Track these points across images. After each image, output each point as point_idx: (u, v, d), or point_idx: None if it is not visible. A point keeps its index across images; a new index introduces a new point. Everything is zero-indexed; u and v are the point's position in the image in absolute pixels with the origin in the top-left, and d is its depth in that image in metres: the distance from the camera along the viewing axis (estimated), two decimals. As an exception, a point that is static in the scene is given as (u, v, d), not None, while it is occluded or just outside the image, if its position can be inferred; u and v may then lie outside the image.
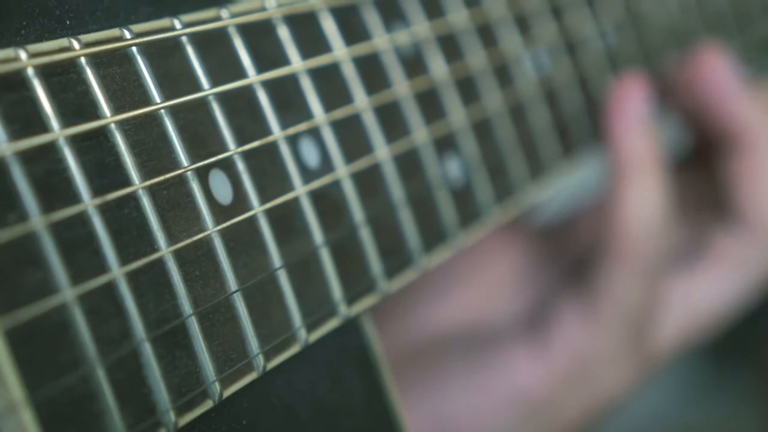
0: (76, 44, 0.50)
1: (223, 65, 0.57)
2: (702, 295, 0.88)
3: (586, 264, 0.86)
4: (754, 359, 2.74)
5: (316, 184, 0.60)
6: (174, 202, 0.52)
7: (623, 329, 0.84)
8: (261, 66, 0.59)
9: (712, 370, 2.80)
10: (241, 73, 0.58)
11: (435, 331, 0.86)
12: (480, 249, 0.88)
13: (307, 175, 0.59)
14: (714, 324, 0.91)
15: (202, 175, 0.54)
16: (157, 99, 0.53)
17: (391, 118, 0.65)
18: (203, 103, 0.55)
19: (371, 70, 0.65)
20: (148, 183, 0.51)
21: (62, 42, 0.50)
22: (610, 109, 0.83)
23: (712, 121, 0.89)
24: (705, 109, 0.89)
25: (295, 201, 0.58)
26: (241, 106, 0.57)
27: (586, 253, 0.87)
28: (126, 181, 0.51)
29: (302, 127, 0.60)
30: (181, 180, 0.53)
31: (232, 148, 0.56)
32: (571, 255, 0.90)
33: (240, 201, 0.55)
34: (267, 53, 0.59)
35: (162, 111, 0.53)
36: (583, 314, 0.84)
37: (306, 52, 0.61)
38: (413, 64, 0.68)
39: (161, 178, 0.52)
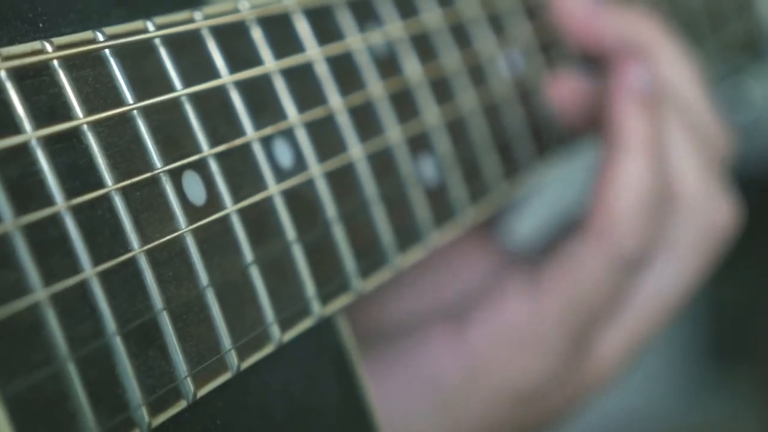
0: (48, 47, 0.51)
1: (197, 67, 0.57)
2: (652, 292, 0.82)
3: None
4: (755, 359, 2.75)
5: (289, 183, 0.60)
6: (147, 203, 0.53)
7: (568, 318, 0.78)
8: (234, 67, 0.59)
9: (712, 370, 2.81)
10: (215, 75, 0.58)
11: (377, 324, 0.83)
12: (451, 254, 0.85)
13: (281, 175, 0.60)
14: (661, 317, 0.83)
15: (176, 176, 0.54)
16: (130, 101, 0.53)
17: (364, 118, 0.66)
18: (176, 104, 0.56)
19: (345, 70, 0.66)
20: (121, 185, 0.51)
21: (35, 45, 0.50)
22: (611, 84, 0.80)
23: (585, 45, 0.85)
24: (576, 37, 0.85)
25: (269, 201, 0.59)
26: (215, 108, 0.58)
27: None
28: (99, 183, 0.51)
29: (276, 128, 0.60)
30: (154, 181, 0.53)
31: (206, 149, 0.56)
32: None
33: (213, 201, 0.56)
34: (241, 55, 0.60)
35: (135, 112, 0.53)
36: (528, 291, 0.78)
37: (279, 53, 0.62)
38: (387, 63, 0.69)
39: (134, 180, 0.52)
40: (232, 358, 0.55)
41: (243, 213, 0.57)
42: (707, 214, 0.83)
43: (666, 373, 2.81)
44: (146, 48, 0.55)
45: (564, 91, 0.84)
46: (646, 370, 2.80)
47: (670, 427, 2.69)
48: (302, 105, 0.62)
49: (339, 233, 0.62)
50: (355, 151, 0.65)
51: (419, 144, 0.70)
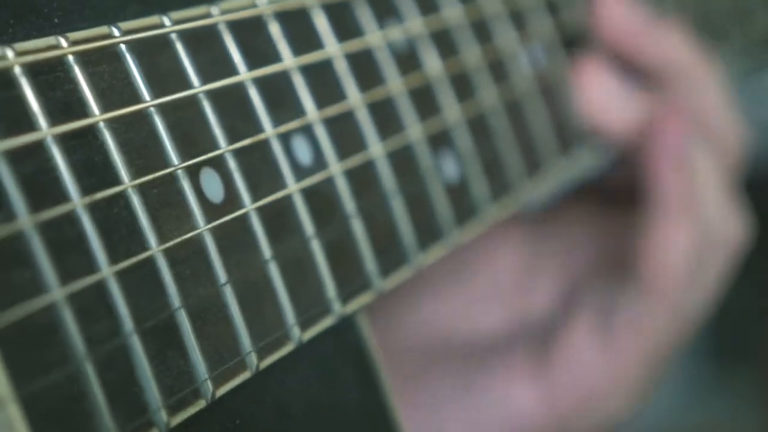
0: (63, 42, 0.50)
1: (214, 63, 0.57)
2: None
3: (600, 285, 0.84)
4: (755, 359, 2.74)
5: (309, 181, 0.59)
6: (164, 201, 0.52)
7: (644, 366, 0.82)
8: (252, 63, 0.58)
9: (712, 370, 2.80)
10: (232, 71, 0.57)
11: (426, 334, 0.84)
12: (476, 247, 0.87)
13: (300, 172, 0.59)
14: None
15: (193, 173, 0.53)
16: (147, 97, 0.53)
17: (384, 115, 0.65)
18: (194, 100, 0.55)
19: (364, 67, 0.65)
20: (137, 182, 0.51)
21: (50, 40, 0.50)
22: (652, 140, 0.82)
23: (632, 58, 0.85)
24: (622, 52, 0.85)
25: (288, 199, 0.58)
26: (233, 104, 0.57)
27: (593, 265, 0.86)
28: (115, 180, 0.50)
29: (295, 124, 0.59)
30: (172, 178, 0.52)
31: (223, 146, 0.55)
32: (566, 250, 0.88)
33: (231, 199, 0.55)
34: (258, 50, 0.59)
35: (152, 109, 0.53)
36: (601, 340, 0.81)
37: (298, 49, 0.61)
38: (407, 60, 0.68)
39: (151, 176, 0.51)
40: (252, 358, 0.54)
41: (262, 211, 0.56)
42: (722, 233, 0.85)
43: (666, 373, 2.79)
44: (163, 43, 0.54)
45: (593, 82, 0.83)
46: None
47: (670, 427, 2.67)
48: (321, 101, 0.61)
49: (359, 231, 0.61)
50: (376, 148, 0.64)
51: (440, 141, 0.69)
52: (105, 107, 0.51)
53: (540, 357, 0.81)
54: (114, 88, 0.52)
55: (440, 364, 0.82)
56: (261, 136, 0.57)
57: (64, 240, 0.47)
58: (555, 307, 0.85)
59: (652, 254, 0.82)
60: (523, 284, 0.87)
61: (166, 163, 0.53)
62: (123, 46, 0.52)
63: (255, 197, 0.56)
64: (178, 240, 0.52)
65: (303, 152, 0.60)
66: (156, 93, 0.53)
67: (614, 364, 0.82)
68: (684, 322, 0.84)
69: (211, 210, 0.54)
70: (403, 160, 0.65)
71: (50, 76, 0.49)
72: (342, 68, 0.63)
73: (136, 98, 0.52)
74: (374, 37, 0.66)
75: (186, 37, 0.55)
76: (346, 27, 0.65)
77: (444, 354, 0.82)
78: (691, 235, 0.82)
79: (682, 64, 0.86)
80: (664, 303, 0.82)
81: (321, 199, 0.60)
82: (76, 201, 0.48)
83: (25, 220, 0.46)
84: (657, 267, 0.81)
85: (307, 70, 0.61)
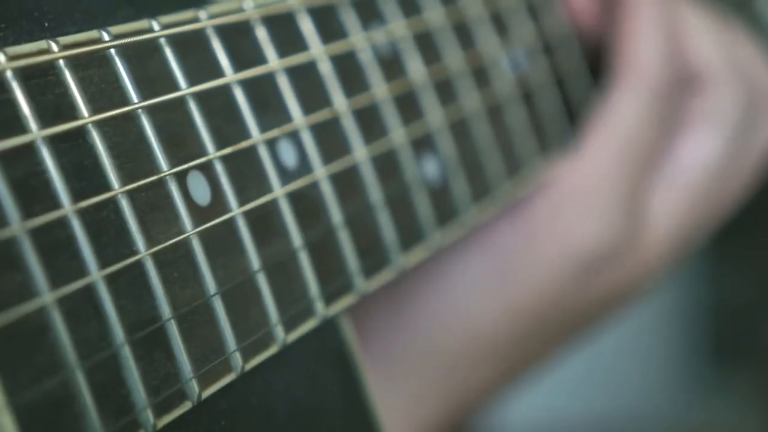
0: (54, 46, 0.50)
1: (202, 66, 0.57)
2: (692, 160, 0.82)
3: None
4: (755, 359, 2.76)
5: (294, 185, 0.60)
6: (152, 204, 0.52)
7: (617, 166, 0.77)
8: (239, 67, 0.59)
9: (712, 370, 2.82)
10: (220, 74, 0.58)
11: None
12: None
13: (286, 176, 0.59)
14: (709, 185, 0.83)
15: (181, 176, 0.54)
16: (136, 100, 0.53)
17: (369, 119, 0.66)
18: (181, 104, 0.55)
19: (349, 70, 0.65)
20: (128, 188, 0.51)
21: (41, 44, 0.50)
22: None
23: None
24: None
25: (274, 202, 0.59)
26: (220, 107, 0.57)
27: None
28: (105, 183, 0.51)
29: (281, 130, 0.60)
30: (160, 182, 0.53)
31: (211, 149, 0.56)
32: None
33: (218, 202, 0.56)
34: (245, 54, 0.60)
35: (140, 112, 0.53)
36: (572, 154, 0.78)
37: (284, 53, 0.62)
38: (390, 62, 0.69)
39: (141, 182, 0.52)
40: (237, 359, 0.55)
41: (248, 214, 0.57)
42: (748, 92, 0.83)
43: (667, 373, 2.81)
44: (151, 47, 0.55)
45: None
46: (646, 370, 2.80)
47: (670, 427, 2.69)
48: (306, 104, 0.62)
49: (343, 234, 0.62)
50: (360, 153, 0.64)
51: (423, 144, 0.69)
52: (95, 111, 0.51)
53: None
54: (103, 92, 0.52)
55: None
56: (248, 142, 0.58)
57: (54, 243, 0.47)
58: None
59: (618, 39, 0.81)
60: None
61: (155, 165, 0.53)
62: (112, 50, 0.53)
63: (241, 201, 0.57)
64: (166, 244, 0.52)
65: (288, 156, 0.60)
66: (145, 96, 0.54)
67: (587, 171, 0.77)
68: (665, 107, 0.81)
69: (198, 213, 0.54)
70: (386, 164, 0.66)
71: (41, 80, 0.50)
72: (326, 71, 0.64)
73: (126, 102, 0.53)
74: (358, 39, 0.67)
75: (174, 41, 0.56)
76: (331, 31, 0.65)
77: None
78: (659, 15, 0.81)
79: None
80: (631, 82, 0.78)
81: (305, 201, 0.60)
82: (67, 205, 0.48)
83: (15, 223, 0.46)
84: (623, 50, 0.80)
85: (292, 74, 0.62)
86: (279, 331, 0.57)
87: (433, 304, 0.77)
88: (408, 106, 0.69)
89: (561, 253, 0.77)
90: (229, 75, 0.58)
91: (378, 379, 0.70)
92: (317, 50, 0.64)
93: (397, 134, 0.67)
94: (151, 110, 0.54)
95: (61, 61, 0.50)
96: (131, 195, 0.51)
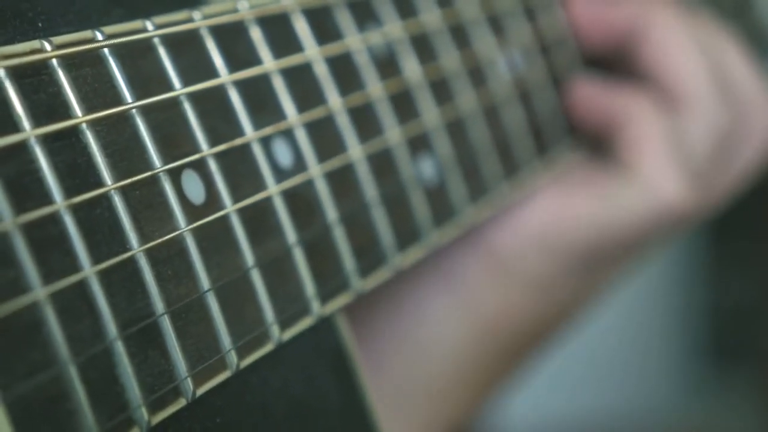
0: (47, 46, 0.51)
1: (196, 66, 0.57)
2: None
3: None
4: (754, 359, 2.76)
5: (289, 183, 0.60)
6: (146, 202, 0.53)
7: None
8: (233, 67, 0.59)
9: (712, 370, 2.81)
10: (214, 74, 0.58)
11: None
12: None
13: (280, 174, 0.60)
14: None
15: (175, 175, 0.54)
16: (129, 100, 0.53)
17: (364, 118, 0.66)
18: (175, 103, 0.56)
19: (344, 71, 0.66)
20: (120, 184, 0.51)
21: (34, 44, 0.50)
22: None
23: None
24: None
25: (268, 200, 0.59)
26: (214, 107, 0.58)
27: None
28: (98, 182, 0.51)
29: (275, 127, 0.60)
30: (153, 180, 0.53)
31: (205, 148, 0.56)
32: None
33: (213, 201, 0.56)
34: (239, 54, 0.60)
35: (134, 111, 0.53)
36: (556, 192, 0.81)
37: (279, 53, 0.62)
38: (386, 64, 0.69)
39: (134, 179, 0.52)
40: (232, 357, 0.55)
41: (242, 212, 0.57)
42: (730, 112, 0.84)
43: (667, 373, 2.81)
44: (145, 47, 0.55)
45: (580, 98, 0.84)
46: (646, 371, 2.80)
47: (670, 427, 2.69)
48: (301, 105, 0.62)
49: (338, 233, 0.62)
50: (355, 151, 0.65)
51: (419, 144, 0.70)
52: (88, 110, 0.51)
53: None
54: (97, 91, 0.52)
55: None
56: (242, 140, 0.58)
57: (47, 240, 0.48)
58: None
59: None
60: None
61: (149, 164, 0.53)
62: (106, 50, 0.53)
63: (236, 199, 0.57)
64: (160, 241, 0.52)
65: (283, 154, 0.60)
66: (138, 96, 0.54)
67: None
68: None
69: (192, 211, 0.54)
70: (382, 163, 0.66)
71: (34, 79, 0.50)
72: (322, 72, 0.64)
73: (119, 101, 0.53)
74: (354, 40, 0.67)
75: (168, 41, 0.56)
76: (326, 31, 0.65)
77: None
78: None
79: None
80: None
81: (301, 200, 0.61)
82: (60, 202, 0.49)
83: (8, 220, 0.46)
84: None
85: (287, 74, 0.62)
86: (274, 330, 0.57)
87: (397, 341, 0.79)
88: (404, 105, 0.69)
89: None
90: (224, 75, 0.59)
91: None
92: (312, 51, 0.64)
93: (393, 133, 0.68)
94: (145, 110, 0.54)
95: (54, 61, 0.51)
96: (125, 193, 0.52)
